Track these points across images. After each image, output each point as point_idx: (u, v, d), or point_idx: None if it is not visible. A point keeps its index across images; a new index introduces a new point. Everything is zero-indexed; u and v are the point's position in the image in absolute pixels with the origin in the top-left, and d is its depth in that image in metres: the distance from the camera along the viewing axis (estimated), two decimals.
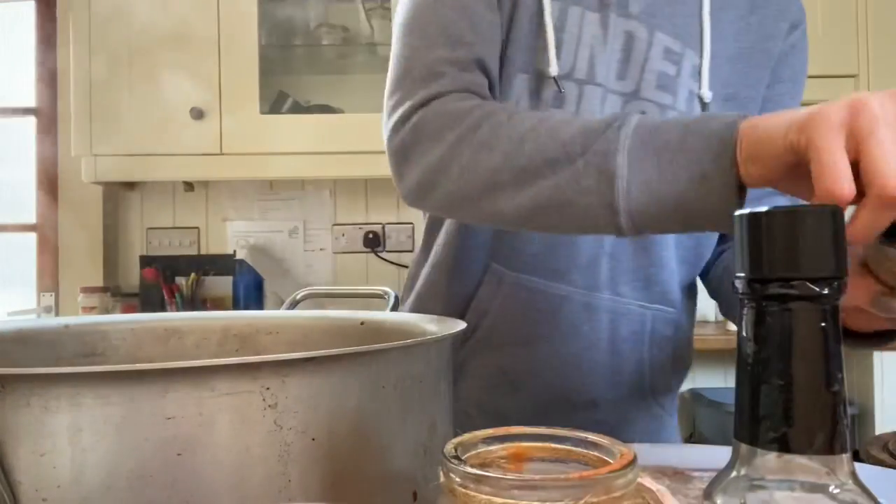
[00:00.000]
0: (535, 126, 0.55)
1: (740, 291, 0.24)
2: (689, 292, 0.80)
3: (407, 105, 0.63)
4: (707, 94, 0.70)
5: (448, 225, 0.75)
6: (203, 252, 2.30)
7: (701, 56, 0.70)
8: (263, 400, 0.32)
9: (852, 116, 0.39)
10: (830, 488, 0.22)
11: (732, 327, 1.95)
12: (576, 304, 0.71)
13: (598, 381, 0.73)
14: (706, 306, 2.24)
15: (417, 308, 0.77)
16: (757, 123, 0.45)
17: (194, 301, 2.16)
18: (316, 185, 2.30)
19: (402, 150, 0.63)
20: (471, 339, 0.73)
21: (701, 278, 0.83)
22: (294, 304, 0.70)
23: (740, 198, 0.46)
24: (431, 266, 0.76)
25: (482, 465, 0.27)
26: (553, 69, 0.67)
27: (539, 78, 0.68)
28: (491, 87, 0.67)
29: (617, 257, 0.72)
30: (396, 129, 0.64)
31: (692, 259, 0.77)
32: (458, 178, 0.58)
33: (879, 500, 0.23)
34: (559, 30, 0.67)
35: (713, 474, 0.25)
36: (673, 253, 0.74)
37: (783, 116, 0.44)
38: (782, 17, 0.75)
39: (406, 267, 2.29)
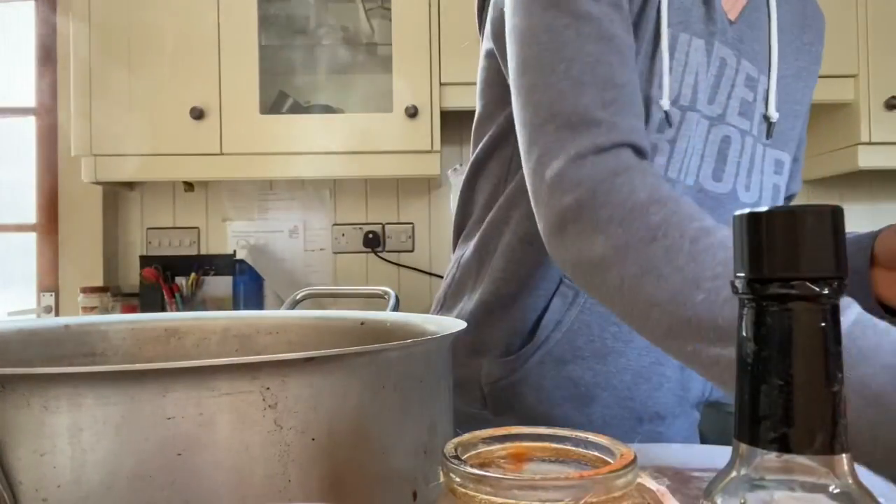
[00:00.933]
0: (717, 273, 0.47)
1: (740, 291, 0.24)
2: None
3: (561, 159, 0.56)
4: (773, 115, 0.72)
5: (517, 239, 0.72)
6: (203, 252, 2.30)
7: (769, 77, 0.73)
8: (263, 400, 0.32)
9: None
10: (830, 488, 0.22)
11: None
12: None
13: (667, 395, 0.74)
14: None
15: (482, 316, 0.74)
16: None
17: (194, 301, 2.16)
18: (316, 185, 2.30)
19: (561, 220, 0.56)
20: (538, 352, 0.72)
21: None
22: (294, 304, 0.70)
23: None
24: (501, 278, 0.73)
25: (482, 465, 0.27)
26: (665, 103, 0.64)
27: (647, 103, 0.64)
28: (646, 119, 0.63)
29: None
30: (553, 188, 0.56)
31: None
32: (614, 288, 0.53)
33: (879, 500, 0.23)
34: (670, 57, 0.66)
35: (713, 474, 0.25)
36: None
37: None
38: (820, 39, 0.80)
39: (406, 267, 2.29)
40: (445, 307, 0.81)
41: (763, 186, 0.74)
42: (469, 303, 0.77)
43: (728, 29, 0.70)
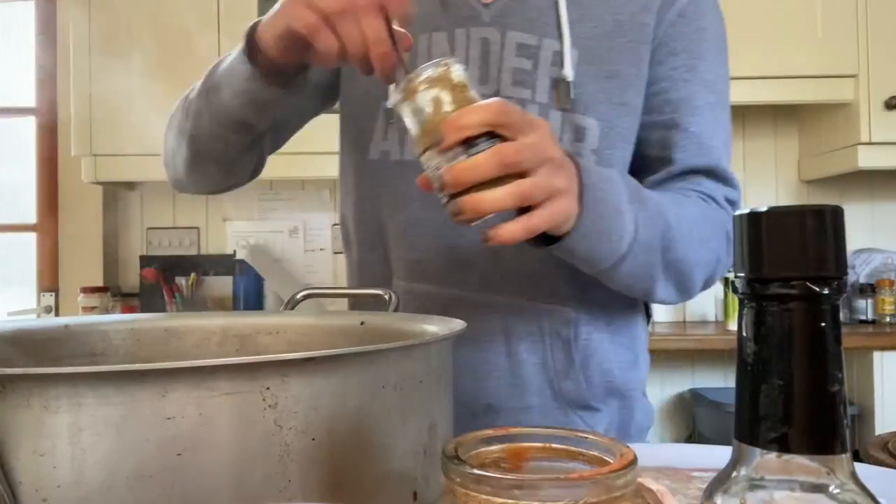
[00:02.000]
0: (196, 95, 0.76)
1: (740, 291, 0.24)
2: (609, 294, 0.73)
3: None
4: (568, 74, 0.70)
5: (354, 246, 0.81)
6: (203, 252, 2.30)
7: (561, 41, 0.71)
8: (263, 400, 0.32)
9: None
10: (830, 488, 0.22)
11: (732, 327, 1.95)
12: (466, 304, 0.71)
13: (496, 384, 0.72)
14: (706, 306, 2.24)
15: None
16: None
17: (194, 301, 2.16)
18: (316, 185, 2.30)
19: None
20: None
21: None
22: (294, 304, 0.70)
23: (270, 82, 0.65)
24: (348, 283, 0.84)
25: (482, 465, 0.27)
26: (391, 101, 0.71)
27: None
28: None
29: (501, 254, 0.71)
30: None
31: None
32: (174, 140, 0.84)
33: (879, 500, 0.23)
34: (413, 56, 0.70)
35: (713, 474, 0.25)
36: None
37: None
38: None
39: None
40: None
41: None
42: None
43: (484, 12, 0.72)
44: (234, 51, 0.68)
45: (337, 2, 0.53)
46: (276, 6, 0.59)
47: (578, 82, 0.70)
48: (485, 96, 0.69)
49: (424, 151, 0.51)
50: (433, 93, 0.51)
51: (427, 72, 0.51)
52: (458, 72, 0.51)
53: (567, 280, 0.72)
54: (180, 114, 0.78)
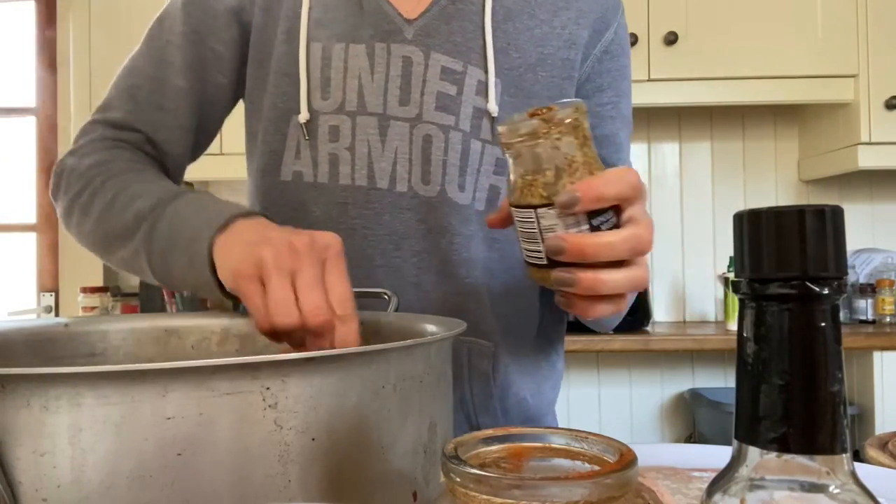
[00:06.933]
0: (116, 195, 0.63)
1: (740, 291, 0.24)
2: (528, 324, 0.75)
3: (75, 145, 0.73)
4: (493, 109, 0.69)
5: None
6: None
7: (486, 70, 0.69)
8: (263, 400, 0.32)
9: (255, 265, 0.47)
10: (830, 488, 0.22)
11: (732, 327, 1.95)
12: None
13: None
14: (706, 306, 2.24)
15: None
16: (227, 237, 0.53)
17: (194, 301, 2.16)
18: None
19: (53, 187, 0.72)
20: None
21: None
22: None
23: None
24: None
25: (482, 465, 0.27)
26: (303, 116, 0.69)
27: (313, 116, 0.70)
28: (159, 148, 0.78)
29: (421, 286, 0.70)
30: (61, 161, 0.72)
31: (512, 287, 0.73)
32: (75, 234, 0.69)
33: (879, 500, 0.23)
34: (326, 68, 0.69)
35: (713, 474, 0.25)
36: (481, 281, 0.71)
37: (234, 246, 0.51)
38: (582, 22, 0.72)
39: None
40: None
41: (478, 187, 0.70)
42: None
43: (406, 27, 0.69)
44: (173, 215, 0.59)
45: (282, 277, 0.46)
46: (234, 246, 0.52)
47: (501, 115, 0.69)
48: (407, 120, 0.68)
49: (533, 206, 0.44)
50: (566, 143, 0.44)
51: (565, 115, 0.44)
52: (588, 122, 0.45)
53: (488, 314, 0.72)
54: (92, 230, 0.66)
